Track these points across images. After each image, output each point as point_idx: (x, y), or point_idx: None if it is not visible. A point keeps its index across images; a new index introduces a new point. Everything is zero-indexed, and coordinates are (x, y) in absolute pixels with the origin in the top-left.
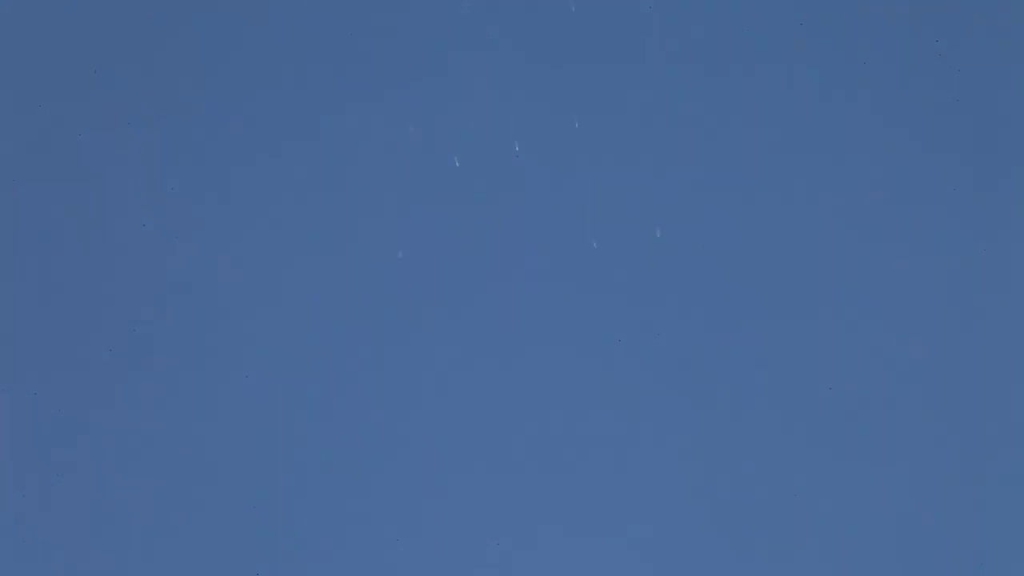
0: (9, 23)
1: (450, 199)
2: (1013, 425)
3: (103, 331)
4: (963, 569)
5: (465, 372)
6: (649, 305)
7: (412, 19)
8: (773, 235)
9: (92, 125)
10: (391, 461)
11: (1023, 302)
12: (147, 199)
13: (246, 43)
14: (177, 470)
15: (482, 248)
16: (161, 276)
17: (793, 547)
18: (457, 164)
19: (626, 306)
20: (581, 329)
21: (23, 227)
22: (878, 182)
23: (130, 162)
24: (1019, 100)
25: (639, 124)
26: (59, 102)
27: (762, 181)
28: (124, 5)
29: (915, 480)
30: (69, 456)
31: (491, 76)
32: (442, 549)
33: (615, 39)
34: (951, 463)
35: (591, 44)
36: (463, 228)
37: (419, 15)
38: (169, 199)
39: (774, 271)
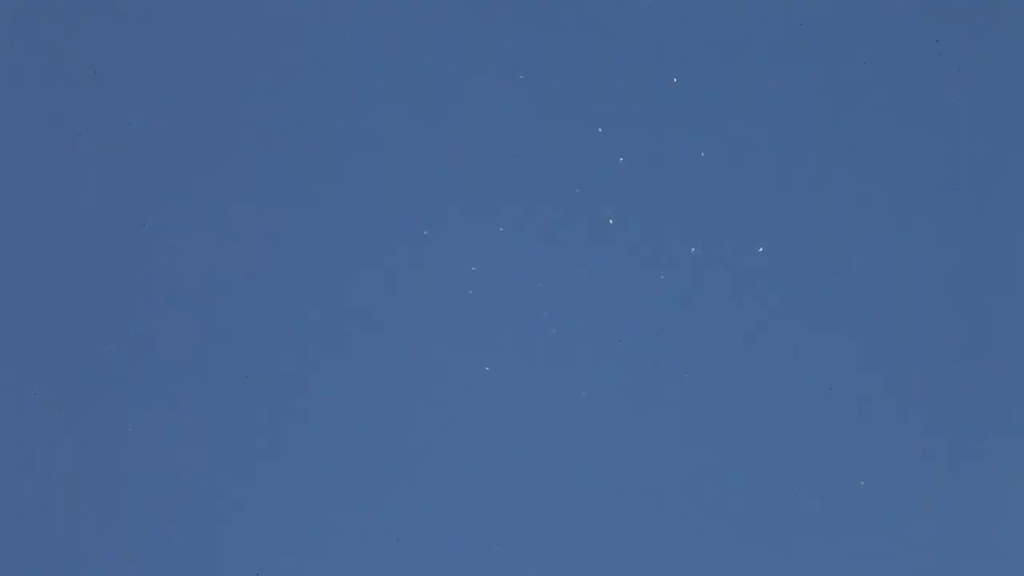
0: (9, 23)
1: (448, 200)
2: (1012, 426)
3: (103, 331)
4: (961, 569)
5: (465, 373)
6: (649, 305)
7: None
8: (772, 236)
9: (92, 125)
10: (391, 461)
11: (1021, 307)
12: (147, 199)
13: (247, 43)
14: (177, 470)
15: (480, 248)
16: (161, 276)
17: (792, 546)
18: (456, 164)
19: (626, 306)
20: (581, 329)
21: (23, 227)
22: (877, 182)
23: (130, 162)
24: (1019, 100)
25: (638, 126)
26: (59, 102)
27: (761, 181)
28: (124, 5)
29: (914, 482)
30: (69, 456)
31: (495, 75)
32: (442, 549)
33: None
34: (950, 464)
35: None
36: (461, 229)
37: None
38: (169, 199)
39: (773, 271)
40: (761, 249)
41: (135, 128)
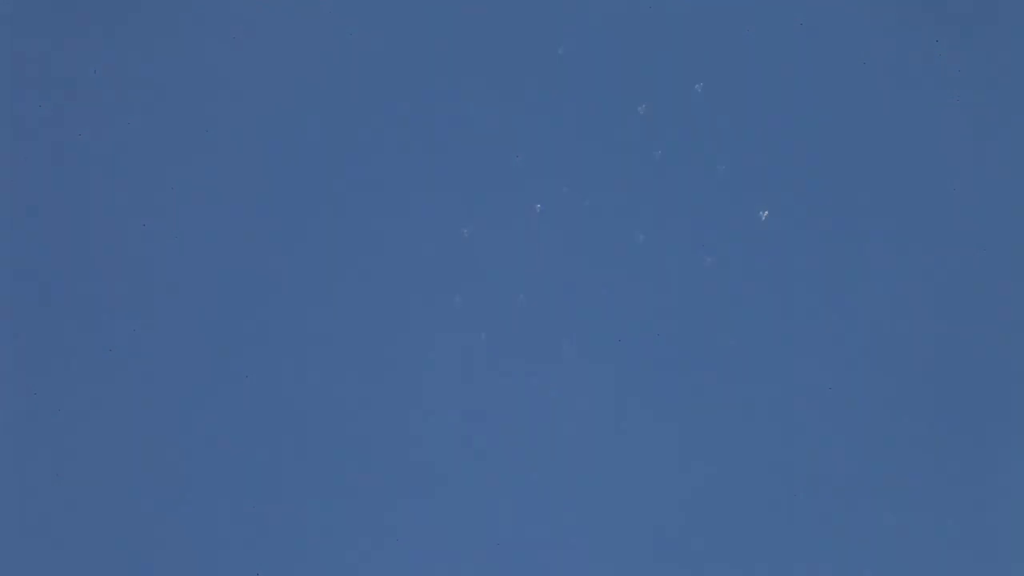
0: (9, 23)
1: (449, 200)
2: (1011, 426)
3: (103, 331)
4: (961, 569)
5: (465, 374)
6: (649, 305)
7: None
8: (771, 236)
9: (92, 125)
10: (391, 462)
11: (1021, 303)
12: (147, 199)
13: (247, 43)
14: (177, 470)
15: (477, 248)
16: (161, 276)
17: (790, 546)
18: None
19: (626, 307)
20: (581, 329)
21: (23, 227)
22: (877, 183)
23: (130, 162)
24: (1019, 100)
25: (637, 134)
26: (59, 102)
27: (760, 181)
28: (124, 6)
29: (914, 482)
30: (69, 456)
31: (498, 85)
32: (442, 549)
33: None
34: (950, 464)
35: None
36: (458, 228)
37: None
38: (169, 199)
39: (773, 272)
40: (765, 214)
41: (135, 128)
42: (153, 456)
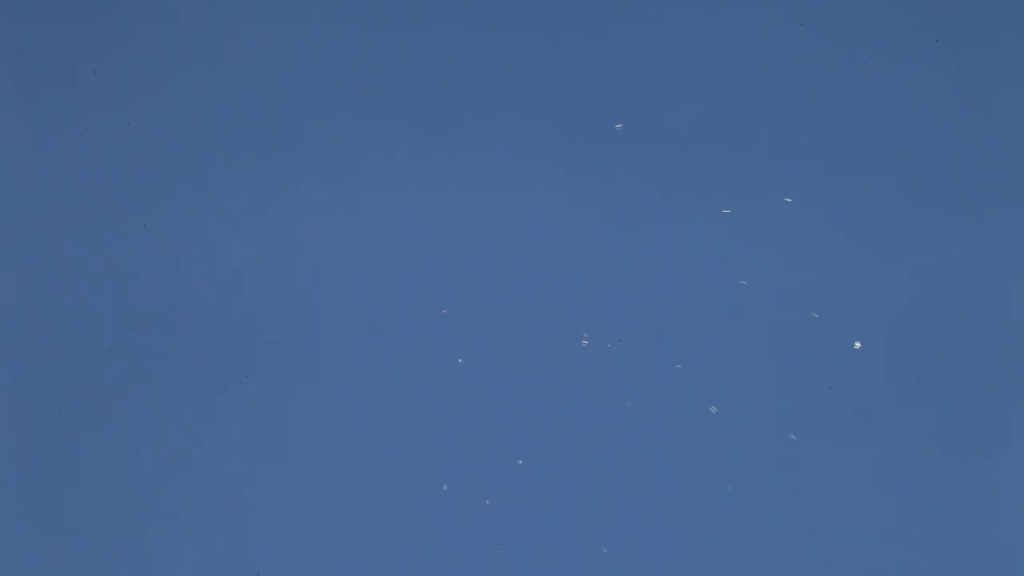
0: (10, 23)
1: (449, 203)
2: (1009, 427)
3: (103, 331)
4: (961, 568)
5: (465, 375)
6: (649, 305)
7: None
8: (771, 236)
9: (92, 125)
10: (392, 462)
11: (1020, 305)
12: (147, 199)
13: (247, 45)
14: (177, 470)
15: (479, 251)
16: (161, 277)
17: (794, 548)
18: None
19: (626, 306)
20: (581, 329)
21: (24, 227)
22: (875, 183)
23: (130, 162)
24: (1019, 100)
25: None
26: (59, 102)
27: (758, 184)
28: (125, 6)
29: (915, 481)
30: (69, 456)
31: (494, 92)
32: (442, 548)
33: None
34: (951, 464)
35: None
36: (461, 231)
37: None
38: (169, 199)
39: (773, 272)
40: (789, 200)
41: (135, 128)
42: (152, 456)
